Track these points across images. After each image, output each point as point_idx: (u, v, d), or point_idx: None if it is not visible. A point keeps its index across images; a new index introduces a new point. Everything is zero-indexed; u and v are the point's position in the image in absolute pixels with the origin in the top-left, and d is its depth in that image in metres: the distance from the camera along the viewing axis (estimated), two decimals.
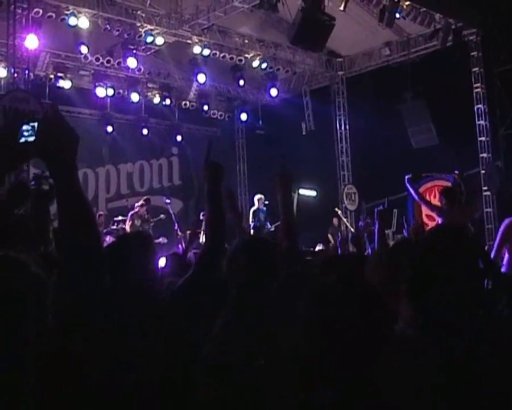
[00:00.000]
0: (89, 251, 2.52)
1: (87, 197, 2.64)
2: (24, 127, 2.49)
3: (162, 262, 6.48)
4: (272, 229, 19.20)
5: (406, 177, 11.40)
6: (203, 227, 19.91)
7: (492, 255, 8.24)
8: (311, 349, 2.49)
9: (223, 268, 3.85)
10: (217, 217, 4.08)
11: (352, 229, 21.69)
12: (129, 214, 19.46)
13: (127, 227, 19.11)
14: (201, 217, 19.50)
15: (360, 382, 2.42)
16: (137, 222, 19.33)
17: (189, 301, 3.67)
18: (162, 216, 20.23)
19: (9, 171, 2.58)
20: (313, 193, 22.56)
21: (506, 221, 8.53)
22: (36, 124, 2.48)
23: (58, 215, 2.54)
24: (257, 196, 19.89)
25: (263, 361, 2.76)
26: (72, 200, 2.52)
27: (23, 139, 2.48)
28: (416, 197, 12.22)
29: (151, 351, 3.06)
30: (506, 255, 8.36)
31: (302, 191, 21.59)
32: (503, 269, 8.17)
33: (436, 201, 13.54)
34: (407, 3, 18.85)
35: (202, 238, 19.80)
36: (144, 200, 20.22)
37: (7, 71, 17.58)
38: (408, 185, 11.71)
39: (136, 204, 19.86)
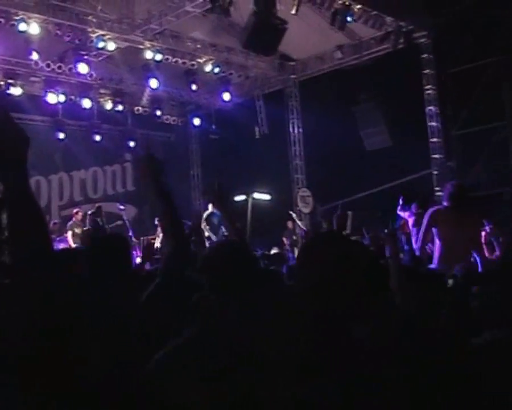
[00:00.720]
0: (41, 256, 2.44)
1: (38, 202, 2.55)
2: None
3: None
4: (227, 233, 19.16)
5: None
6: (158, 232, 19.91)
7: (418, 245, 8.51)
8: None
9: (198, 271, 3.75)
10: (172, 215, 3.94)
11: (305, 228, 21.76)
12: (68, 225, 19.40)
13: (69, 238, 18.98)
14: (156, 223, 19.52)
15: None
16: (78, 231, 19.23)
17: (155, 313, 3.58)
18: (118, 222, 20.12)
19: None
20: (267, 196, 22.58)
21: (429, 210, 8.89)
22: None
23: (8, 220, 2.42)
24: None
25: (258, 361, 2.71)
26: (23, 203, 2.42)
27: None
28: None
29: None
30: (437, 242, 8.55)
31: (256, 195, 21.63)
32: (434, 262, 8.40)
33: None
34: (358, 6, 18.97)
35: (157, 243, 19.86)
36: (96, 208, 20.09)
37: None
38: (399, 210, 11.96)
39: (73, 211, 19.88)
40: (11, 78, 20.77)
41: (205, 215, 19.74)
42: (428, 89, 20.97)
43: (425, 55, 20.98)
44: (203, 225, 19.36)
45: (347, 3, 18.55)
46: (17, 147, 2.39)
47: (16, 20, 17.28)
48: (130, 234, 19.37)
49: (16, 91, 21.00)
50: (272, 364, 2.53)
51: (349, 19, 18.92)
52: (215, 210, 19.50)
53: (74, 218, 19.74)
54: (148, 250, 8.66)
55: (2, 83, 20.80)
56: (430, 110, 20.93)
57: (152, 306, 3.64)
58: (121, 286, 3.86)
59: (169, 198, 3.91)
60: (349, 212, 19.41)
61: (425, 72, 21.00)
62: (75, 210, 19.99)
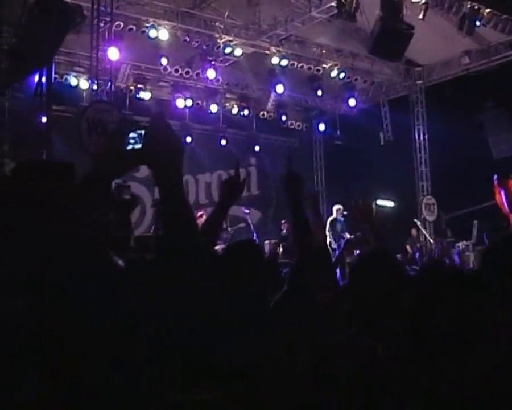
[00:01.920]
0: (191, 256, 2.51)
1: (191, 206, 2.65)
2: (131, 134, 2.52)
3: None
4: (351, 237, 19.17)
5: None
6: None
7: None
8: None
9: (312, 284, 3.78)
10: (301, 231, 3.99)
11: (431, 240, 21.47)
12: None
13: None
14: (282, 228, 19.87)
15: None
16: None
17: (281, 322, 3.62)
18: (241, 224, 20.38)
19: (116, 177, 2.61)
20: (391, 203, 22.39)
21: None
22: (142, 132, 2.50)
23: (163, 222, 2.54)
24: (336, 207, 19.87)
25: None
26: (177, 207, 2.52)
27: (130, 147, 2.52)
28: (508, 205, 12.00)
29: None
30: None
31: (380, 202, 21.47)
32: None
33: None
34: (488, 10, 18.58)
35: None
36: None
37: (89, 83, 18.02)
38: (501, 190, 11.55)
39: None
40: (140, 83, 21.36)
41: (329, 220, 19.75)
42: None
43: None
44: (326, 229, 19.37)
45: (476, 7, 18.18)
46: (174, 154, 2.50)
47: (146, 27, 17.88)
48: (254, 237, 19.59)
49: (145, 95, 21.57)
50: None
51: (477, 23, 18.56)
52: (339, 217, 19.53)
53: (198, 222, 20.01)
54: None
55: (132, 87, 21.38)
56: None
57: (279, 314, 3.69)
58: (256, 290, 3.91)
59: (304, 215, 4.02)
60: (475, 221, 19.08)
61: None
62: (199, 213, 20.30)
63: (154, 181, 2.48)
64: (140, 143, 2.51)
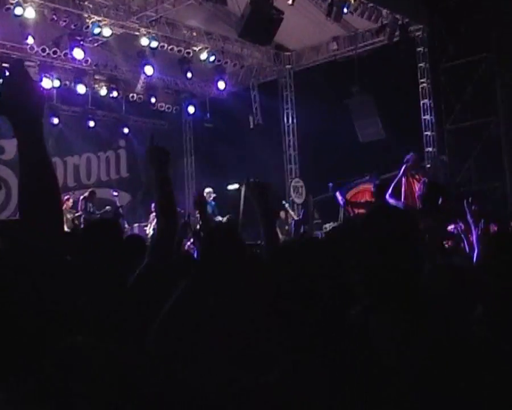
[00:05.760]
0: (52, 211, 2.44)
1: (52, 161, 2.53)
2: None
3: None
4: (225, 220, 19.28)
5: (330, 185, 11.64)
6: (150, 219, 19.94)
7: None
8: None
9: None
10: (167, 203, 3.98)
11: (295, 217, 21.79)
12: None
13: None
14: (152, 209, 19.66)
15: None
16: (69, 216, 19.17)
17: (144, 294, 3.62)
18: (108, 207, 20.18)
19: None
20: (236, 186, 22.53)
21: None
22: (0, 81, 2.41)
23: (20, 178, 2.43)
24: (206, 190, 19.86)
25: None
26: (37, 162, 2.40)
27: None
28: (342, 203, 12.48)
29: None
30: None
31: (230, 186, 21.68)
32: None
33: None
34: None
35: (148, 230, 19.95)
36: (89, 193, 20.12)
37: None
38: (335, 193, 12.04)
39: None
40: (5, 63, 20.69)
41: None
42: (422, 83, 21.04)
43: (420, 48, 21.06)
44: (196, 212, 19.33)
45: None
46: (34, 103, 2.39)
47: (11, 4, 17.28)
48: (122, 220, 19.42)
49: None
50: None
51: (345, 10, 18.94)
52: (210, 200, 19.57)
53: (64, 205, 19.70)
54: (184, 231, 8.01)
55: None
56: (424, 103, 21.01)
57: (142, 287, 3.68)
58: (112, 269, 3.89)
59: (170, 184, 3.98)
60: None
61: (420, 65, 21.06)
62: (65, 198, 19.93)
63: (13, 133, 2.38)
64: None
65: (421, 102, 21.01)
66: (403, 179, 11.50)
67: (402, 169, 11.57)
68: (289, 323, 2.65)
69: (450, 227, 8.71)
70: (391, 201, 10.20)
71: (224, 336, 3.00)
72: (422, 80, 21.04)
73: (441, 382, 2.56)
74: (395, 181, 11.12)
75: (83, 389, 1.90)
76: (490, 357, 2.77)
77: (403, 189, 11.25)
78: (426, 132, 20.91)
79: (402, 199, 10.91)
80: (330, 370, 2.46)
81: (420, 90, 21.06)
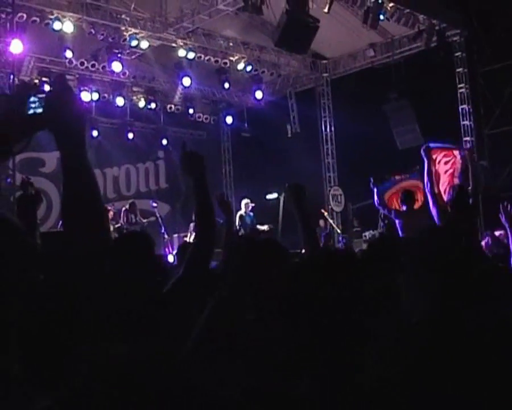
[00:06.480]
0: (96, 228, 2.44)
1: (94, 173, 2.55)
2: (32, 98, 2.44)
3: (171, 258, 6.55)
4: (266, 228, 19.36)
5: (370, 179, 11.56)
6: (190, 229, 19.97)
7: None
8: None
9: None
10: (205, 210, 3.95)
11: (338, 230, 21.78)
12: None
13: None
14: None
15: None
16: (111, 228, 19.27)
17: (179, 304, 3.60)
18: (152, 218, 20.26)
19: (16, 142, 2.50)
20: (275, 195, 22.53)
21: None
22: (43, 96, 2.43)
23: (63, 191, 2.42)
24: (244, 201, 19.88)
25: None
26: (80, 174, 2.43)
27: (31, 111, 2.44)
28: (377, 202, 12.40)
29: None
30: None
31: (269, 196, 21.71)
32: None
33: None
34: (391, 4, 18.93)
35: (188, 240, 20.02)
36: (129, 204, 20.25)
37: None
38: (374, 188, 11.95)
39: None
40: (45, 76, 20.91)
41: (238, 215, 19.70)
42: (461, 88, 20.89)
43: (458, 53, 20.92)
44: (236, 223, 19.39)
45: (380, 1, 18.51)
46: (77, 119, 2.41)
47: (50, 19, 17.49)
48: (162, 231, 19.53)
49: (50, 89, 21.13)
50: None
51: (381, 17, 18.90)
52: (248, 211, 19.58)
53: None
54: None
55: (37, 81, 20.95)
56: (463, 108, 20.85)
57: (174, 299, 3.67)
58: (143, 280, 3.89)
59: (207, 192, 3.96)
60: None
61: (458, 70, 20.92)
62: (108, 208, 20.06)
63: (56, 146, 2.41)
64: (41, 107, 2.43)
65: (460, 108, 20.84)
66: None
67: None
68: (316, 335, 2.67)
69: (498, 233, 8.70)
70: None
71: (260, 351, 2.99)
72: (460, 85, 20.88)
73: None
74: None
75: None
76: None
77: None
78: (465, 138, 20.71)
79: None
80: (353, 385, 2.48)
81: (458, 95, 20.89)
